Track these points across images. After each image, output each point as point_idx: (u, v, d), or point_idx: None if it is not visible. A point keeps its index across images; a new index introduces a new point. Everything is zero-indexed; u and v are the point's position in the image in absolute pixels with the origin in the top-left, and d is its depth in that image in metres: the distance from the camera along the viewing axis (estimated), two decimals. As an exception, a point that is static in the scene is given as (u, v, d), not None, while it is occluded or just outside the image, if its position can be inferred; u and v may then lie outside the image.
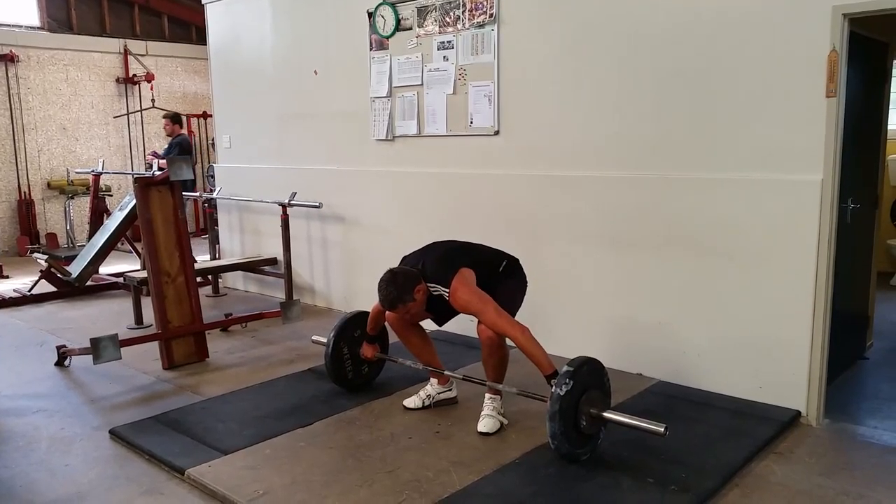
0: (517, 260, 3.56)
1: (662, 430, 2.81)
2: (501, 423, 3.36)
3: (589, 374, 2.99)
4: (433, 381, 3.67)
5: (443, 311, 3.44)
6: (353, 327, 3.86)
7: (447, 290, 3.22)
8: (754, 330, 3.63)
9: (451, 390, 3.69)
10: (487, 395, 3.41)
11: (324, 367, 3.85)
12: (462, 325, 4.63)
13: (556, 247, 4.35)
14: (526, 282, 3.53)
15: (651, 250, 3.97)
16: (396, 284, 3.21)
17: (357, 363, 3.88)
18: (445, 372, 3.59)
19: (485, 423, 3.32)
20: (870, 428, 3.45)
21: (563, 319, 4.36)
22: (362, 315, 3.85)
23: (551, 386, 2.94)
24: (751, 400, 3.61)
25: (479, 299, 3.16)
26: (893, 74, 4.42)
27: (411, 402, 3.64)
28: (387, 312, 3.46)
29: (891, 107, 4.45)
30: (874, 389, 4.00)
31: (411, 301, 3.22)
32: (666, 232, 3.91)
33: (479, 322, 3.18)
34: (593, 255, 4.22)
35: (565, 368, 2.91)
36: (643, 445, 3.11)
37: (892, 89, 4.44)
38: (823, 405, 3.50)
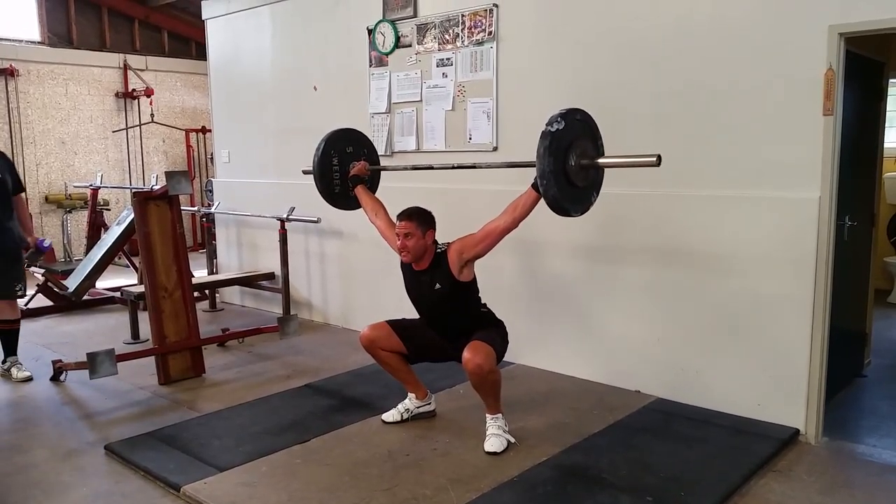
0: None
1: (655, 159, 2.76)
2: (509, 442, 3.32)
3: (581, 122, 2.92)
4: (411, 395, 3.67)
5: (434, 297, 3.43)
6: (346, 142, 3.74)
7: (446, 245, 3.40)
8: (752, 347, 3.62)
9: (429, 404, 3.69)
10: (489, 416, 3.37)
11: (321, 382, 3.83)
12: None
13: (554, 263, 4.34)
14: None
15: (649, 267, 3.97)
16: (424, 211, 3.43)
17: (345, 179, 3.82)
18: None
19: (492, 443, 3.29)
20: (868, 446, 3.44)
21: (561, 336, 4.35)
22: (355, 132, 3.85)
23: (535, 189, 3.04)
24: (749, 417, 3.60)
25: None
26: (889, 93, 4.45)
27: (389, 416, 3.65)
28: (366, 335, 3.52)
29: (887, 125, 4.49)
30: (872, 407, 3.99)
31: (422, 228, 3.35)
32: (664, 249, 3.91)
33: (469, 349, 3.18)
34: (590, 272, 4.21)
35: (558, 112, 2.84)
36: (642, 463, 3.10)
37: (888, 108, 4.47)
38: (822, 423, 3.49)
